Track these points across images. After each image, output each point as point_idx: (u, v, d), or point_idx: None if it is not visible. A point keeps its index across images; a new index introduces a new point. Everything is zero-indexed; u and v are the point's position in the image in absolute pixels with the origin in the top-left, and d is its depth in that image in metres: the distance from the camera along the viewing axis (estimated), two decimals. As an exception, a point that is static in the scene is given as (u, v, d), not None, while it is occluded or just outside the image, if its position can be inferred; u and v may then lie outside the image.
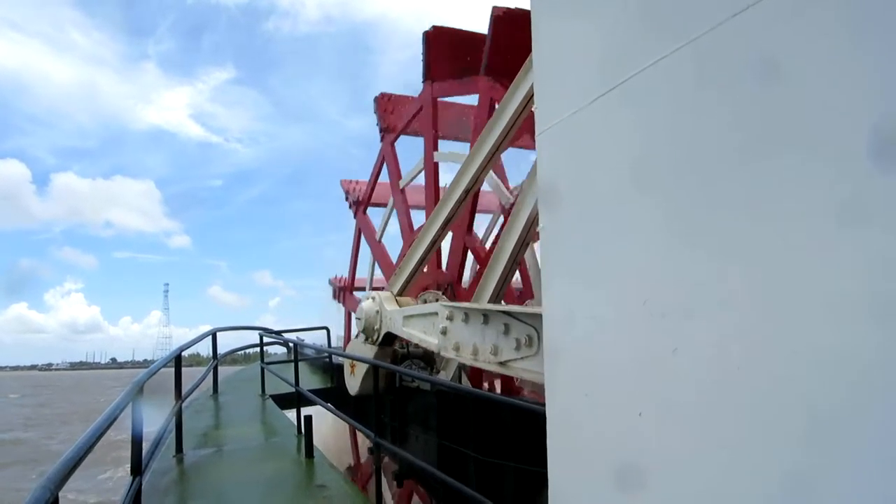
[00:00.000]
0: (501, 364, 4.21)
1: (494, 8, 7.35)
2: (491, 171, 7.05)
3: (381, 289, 9.73)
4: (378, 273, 11.57)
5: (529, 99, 4.93)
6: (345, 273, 13.52)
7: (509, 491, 4.56)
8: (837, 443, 0.79)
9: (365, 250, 12.35)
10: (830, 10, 0.82)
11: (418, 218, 9.86)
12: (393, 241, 11.56)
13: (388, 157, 11.41)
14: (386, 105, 11.52)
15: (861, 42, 0.78)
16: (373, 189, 12.14)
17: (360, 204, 12.34)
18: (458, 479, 3.67)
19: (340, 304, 13.64)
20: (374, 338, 6.73)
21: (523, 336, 3.92)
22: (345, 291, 13.25)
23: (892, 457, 0.73)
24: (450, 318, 4.87)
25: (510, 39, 7.19)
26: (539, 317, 3.64)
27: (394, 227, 11.19)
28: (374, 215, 12.32)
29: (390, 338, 6.66)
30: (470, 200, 6.77)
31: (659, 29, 1.11)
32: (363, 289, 12.44)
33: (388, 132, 11.29)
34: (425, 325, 5.40)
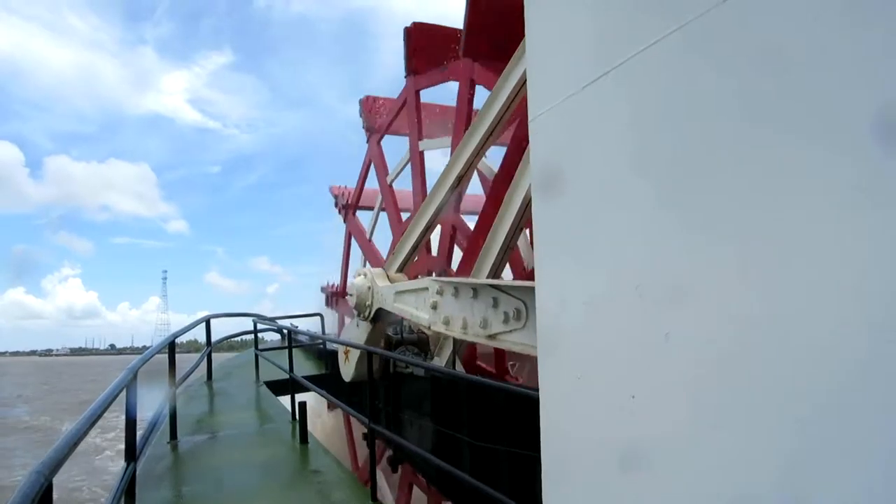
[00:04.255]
0: (491, 337, 4.29)
1: None
2: (484, 158, 7.07)
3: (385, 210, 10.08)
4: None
5: (522, 84, 4.91)
6: (336, 279, 13.55)
7: (503, 475, 4.60)
8: (831, 428, 0.79)
9: (355, 255, 12.42)
10: None
11: (434, 157, 10.00)
12: (383, 240, 11.64)
13: (374, 157, 11.56)
14: (371, 106, 11.75)
15: (862, 25, 0.78)
16: (360, 191, 12.26)
17: (348, 208, 12.42)
18: (453, 464, 3.70)
19: (334, 311, 13.66)
20: (367, 314, 6.80)
21: (511, 309, 3.97)
22: (337, 297, 13.25)
23: (887, 444, 0.74)
24: (440, 293, 4.93)
25: (486, 19, 7.25)
26: (528, 290, 4.09)
27: (382, 225, 11.32)
28: (364, 219, 12.45)
29: (380, 316, 6.70)
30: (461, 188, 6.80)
31: (652, 12, 1.10)
32: (371, 208, 12.47)
33: (374, 132, 11.48)
34: (416, 301, 5.45)
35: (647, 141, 1.12)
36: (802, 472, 0.84)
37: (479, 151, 5.90)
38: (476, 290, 4.48)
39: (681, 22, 1.02)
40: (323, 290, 14.37)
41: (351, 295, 7.15)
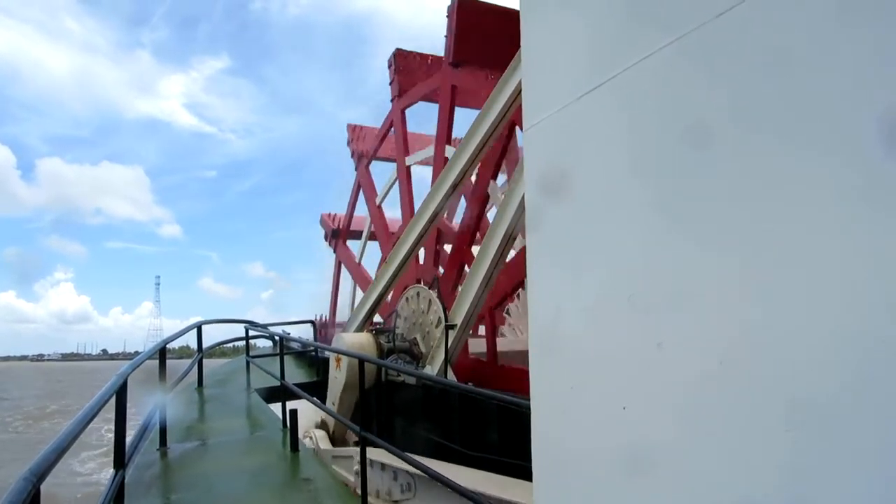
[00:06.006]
0: (394, 502, 5.80)
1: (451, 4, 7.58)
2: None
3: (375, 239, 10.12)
4: (360, 295, 11.62)
5: (517, 94, 4.94)
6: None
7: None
8: (828, 438, 0.80)
9: (361, 205, 12.37)
10: (827, 2, 0.83)
11: (421, 175, 10.11)
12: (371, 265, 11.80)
13: (363, 181, 11.68)
14: (357, 133, 11.98)
15: (859, 38, 0.79)
16: (350, 218, 12.35)
17: (339, 236, 12.48)
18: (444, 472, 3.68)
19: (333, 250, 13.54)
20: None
21: (405, 483, 5.59)
22: (339, 239, 13.18)
23: (885, 453, 0.74)
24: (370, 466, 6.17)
25: (468, 27, 7.39)
26: (419, 476, 5.18)
27: (371, 249, 11.45)
28: (353, 249, 12.59)
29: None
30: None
31: (648, 24, 1.12)
32: (358, 236, 12.51)
33: (361, 157, 11.68)
34: (347, 466, 6.68)
35: (643, 151, 1.12)
36: (798, 483, 0.84)
37: (475, 160, 5.93)
38: (383, 465, 5.93)
39: (676, 34, 1.03)
40: (322, 223, 13.97)
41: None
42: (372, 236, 11.54)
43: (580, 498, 1.25)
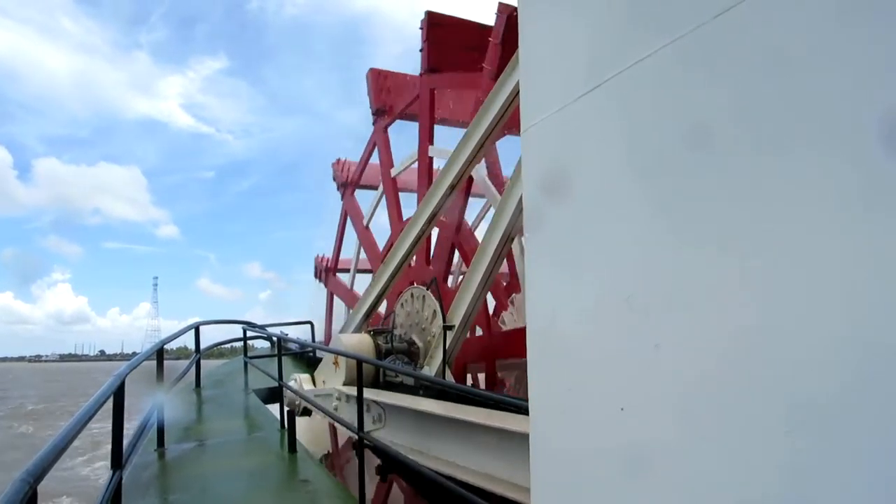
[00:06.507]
0: (365, 433, 5.93)
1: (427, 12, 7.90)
2: (479, 165, 7.10)
3: (368, 271, 10.28)
4: (363, 256, 11.61)
5: (515, 95, 4.94)
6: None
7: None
8: (826, 440, 0.80)
9: (350, 233, 12.37)
10: (822, 4, 0.83)
11: (408, 200, 10.07)
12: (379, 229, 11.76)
13: (349, 208, 11.85)
14: (342, 166, 12.17)
15: (854, 38, 0.79)
16: (362, 171, 12.22)
17: (348, 185, 12.34)
18: (442, 474, 3.68)
19: (322, 285, 13.54)
20: (298, 411, 8.76)
21: (376, 414, 6.18)
22: (328, 273, 13.18)
23: (883, 454, 0.75)
24: (339, 399, 7.27)
25: (442, 34, 7.64)
26: (388, 404, 5.95)
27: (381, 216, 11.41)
28: (363, 199, 12.49)
29: (308, 413, 8.78)
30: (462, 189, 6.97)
31: (645, 27, 1.12)
32: (347, 270, 12.51)
33: (346, 186, 11.87)
34: (327, 403, 7.22)
35: (641, 152, 1.12)
36: (798, 484, 0.83)
37: (473, 160, 5.93)
38: (350, 397, 6.63)
39: (673, 36, 1.03)
40: (316, 265, 13.89)
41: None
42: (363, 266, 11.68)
43: (578, 498, 1.25)
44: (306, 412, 8.47)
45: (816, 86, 0.83)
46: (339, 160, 12.32)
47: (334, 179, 12.34)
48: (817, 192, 0.82)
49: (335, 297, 12.88)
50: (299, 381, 8.78)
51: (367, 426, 5.88)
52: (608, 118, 1.20)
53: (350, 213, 11.82)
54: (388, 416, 6.09)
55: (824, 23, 0.82)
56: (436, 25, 8.20)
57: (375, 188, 10.99)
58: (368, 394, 5.72)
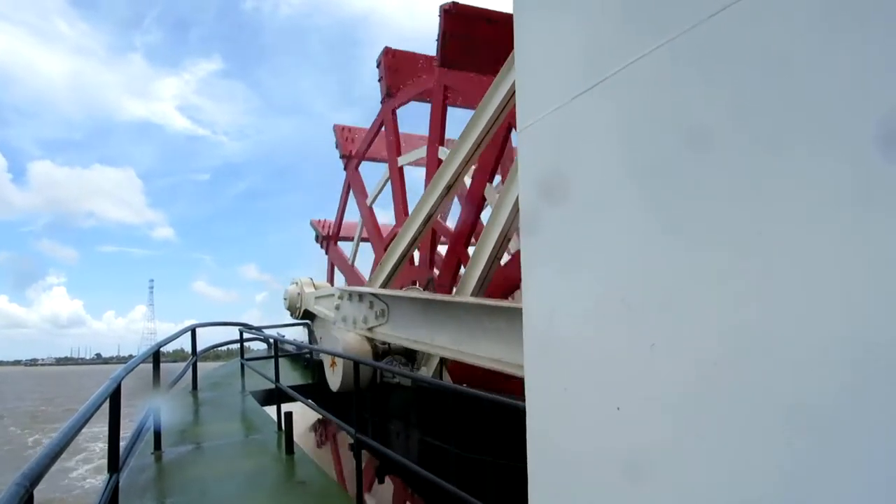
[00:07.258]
0: (370, 329, 6.36)
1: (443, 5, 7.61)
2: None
3: (367, 241, 11.04)
4: (365, 234, 11.54)
5: (511, 96, 4.95)
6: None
7: (490, 486, 4.58)
8: (822, 439, 0.79)
9: (352, 207, 12.27)
10: (816, 5, 0.84)
11: (412, 176, 9.98)
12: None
13: (353, 182, 11.69)
14: (346, 135, 12.09)
15: (850, 39, 0.80)
16: (340, 222, 12.26)
17: (352, 158, 12.21)
18: (439, 475, 3.68)
19: (323, 251, 13.45)
20: (298, 314, 9.47)
21: (379, 309, 6.18)
22: (329, 240, 13.11)
23: (882, 454, 0.74)
24: (341, 298, 7.21)
25: (458, 29, 7.42)
26: (392, 296, 5.97)
27: (364, 249, 11.41)
28: (347, 248, 12.46)
29: (309, 314, 9.37)
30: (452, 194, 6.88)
31: (641, 26, 1.12)
32: (349, 239, 12.47)
33: (350, 158, 11.78)
34: (328, 304, 7.41)
35: (636, 152, 1.13)
36: (796, 485, 0.83)
37: (469, 161, 5.93)
38: (361, 295, 6.67)
39: (669, 36, 1.03)
40: (313, 225, 13.72)
41: (285, 299, 9.74)
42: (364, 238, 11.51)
43: (575, 498, 1.25)
44: (308, 315, 8.70)
45: (812, 85, 0.83)
46: (343, 127, 12.12)
47: (336, 147, 12.16)
48: (814, 192, 0.82)
49: (335, 269, 12.83)
50: (300, 283, 9.03)
51: (371, 322, 6.05)
52: (604, 118, 1.20)
53: (354, 188, 11.67)
54: (392, 310, 6.05)
55: (819, 22, 0.83)
56: (452, 16, 7.70)
57: (383, 160, 10.73)
58: (370, 289, 5.89)
